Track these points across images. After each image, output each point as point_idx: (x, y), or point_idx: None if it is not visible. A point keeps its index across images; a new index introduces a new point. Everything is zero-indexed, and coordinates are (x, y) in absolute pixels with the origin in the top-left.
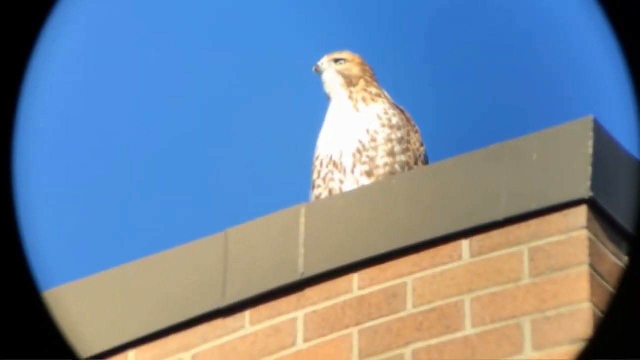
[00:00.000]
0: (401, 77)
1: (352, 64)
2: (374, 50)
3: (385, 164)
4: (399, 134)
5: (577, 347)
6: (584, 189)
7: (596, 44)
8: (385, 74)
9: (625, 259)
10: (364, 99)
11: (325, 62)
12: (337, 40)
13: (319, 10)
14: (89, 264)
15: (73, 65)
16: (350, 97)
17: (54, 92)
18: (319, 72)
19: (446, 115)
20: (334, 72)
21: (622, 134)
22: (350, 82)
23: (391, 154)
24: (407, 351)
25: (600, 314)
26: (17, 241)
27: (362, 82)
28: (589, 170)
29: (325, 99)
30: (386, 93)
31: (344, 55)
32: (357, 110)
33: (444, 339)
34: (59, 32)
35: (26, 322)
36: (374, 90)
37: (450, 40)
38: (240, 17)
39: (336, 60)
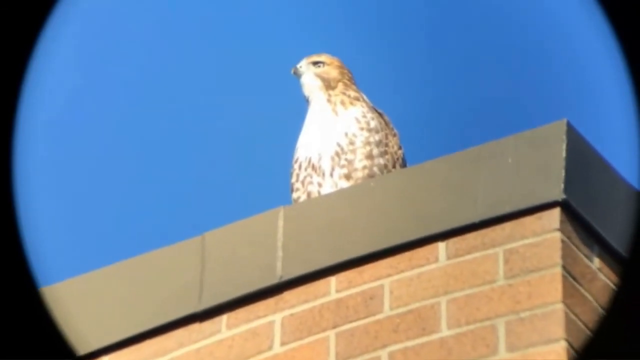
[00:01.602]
0: (378, 81)
1: (330, 67)
2: (352, 53)
3: (364, 167)
4: (377, 137)
5: (550, 349)
6: (557, 192)
7: (579, 46)
8: (363, 77)
9: (597, 261)
10: (342, 102)
11: (303, 65)
12: (317, 41)
13: (302, 11)
14: (62, 270)
15: (72, 65)
16: (329, 101)
17: (54, 92)
18: (297, 75)
19: (423, 119)
20: (312, 75)
21: (594, 136)
22: (328, 85)
23: (369, 156)
24: (384, 353)
25: (572, 316)
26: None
27: (340, 85)
28: (562, 173)
29: (304, 102)
30: (365, 96)
31: (323, 58)
32: (336, 113)
33: (420, 340)
34: (59, 31)
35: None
36: (352, 93)
37: (428, 44)
38: (223, 21)
39: (315, 63)
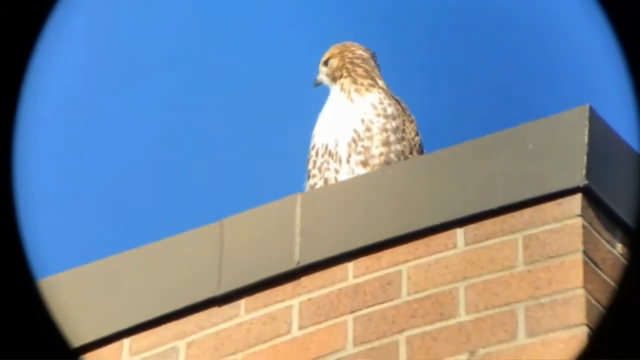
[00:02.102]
0: (397, 69)
1: (333, 58)
2: (371, 41)
3: (381, 154)
4: (394, 124)
5: (571, 334)
6: (579, 177)
7: (593, 34)
8: (381, 65)
9: (619, 246)
10: (357, 90)
11: (319, 72)
12: (334, 33)
13: (315, 4)
14: (85, 253)
15: (72, 65)
16: (342, 89)
17: (54, 91)
18: (319, 84)
19: (442, 105)
20: (324, 76)
21: (618, 122)
22: (334, 77)
23: (386, 143)
24: (402, 338)
25: (593, 302)
26: (13, 230)
27: (344, 72)
28: (584, 158)
29: (321, 89)
30: (382, 82)
31: (327, 53)
32: (352, 100)
33: (438, 325)
34: (59, 31)
35: (21, 311)
36: (364, 80)
37: (446, 31)
38: (237, 11)
39: (325, 63)
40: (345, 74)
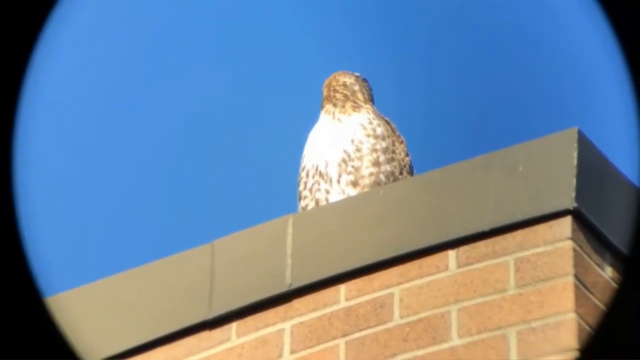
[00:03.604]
0: (384, 88)
1: (324, 91)
2: (357, 61)
3: (371, 174)
4: (384, 144)
5: (562, 358)
6: (568, 200)
7: (584, 55)
8: (373, 84)
9: (609, 270)
10: (342, 112)
11: None
12: (324, 50)
13: (313, 22)
14: (72, 277)
15: (73, 66)
16: (327, 111)
17: (54, 94)
18: None
19: (432, 126)
20: None
21: (606, 145)
22: (321, 107)
23: (376, 163)
24: None
25: (584, 325)
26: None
27: (328, 105)
28: (574, 181)
29: (312, 109)
30: (368, 105)
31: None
32: (339, 120)
33: (430, 349)
34: (59, 31)
35: (22, 329)
36: (346, 103)
37: (437, 53)
38: (226, 29)
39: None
40: (326, 101)
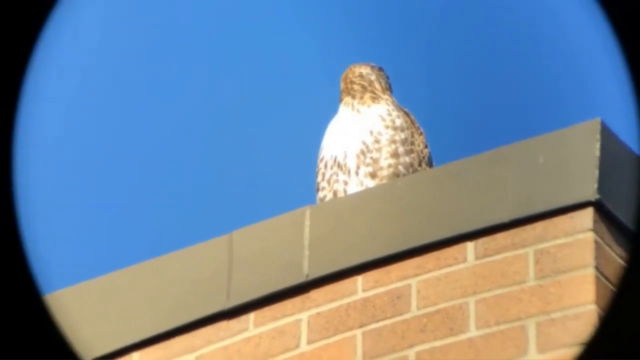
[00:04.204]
0: (406, 80)
1: (341, 84)
2: (379, 53)
3: (389, 165)
4: (403, 135)
5: (579, 349)
6: (590, 191)
7: (601, 45)
8: (391, 77)
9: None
10: (361, 103)
11: None
12: (343, 44)
13: (323, 14)
14: (94, 267)
15: (73, 67)
16: (346, 103)
17: (54, 96)
18: None
19: (452, 118)
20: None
21: (629, 136)
22: (340, 99)
23: (395, 155)
24: (411, 353)
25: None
26: (19, 243)
27: (347, 98)
28: (596, 172)
29: (331, 101)
30: (386, 95)
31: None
32: (358, 111)
33: (447, 341)
34: (59, 30)
35: (29, 325)
36: (365, 94)
37: (456, 42)
38: (242, 16)
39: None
40: (344, 94)
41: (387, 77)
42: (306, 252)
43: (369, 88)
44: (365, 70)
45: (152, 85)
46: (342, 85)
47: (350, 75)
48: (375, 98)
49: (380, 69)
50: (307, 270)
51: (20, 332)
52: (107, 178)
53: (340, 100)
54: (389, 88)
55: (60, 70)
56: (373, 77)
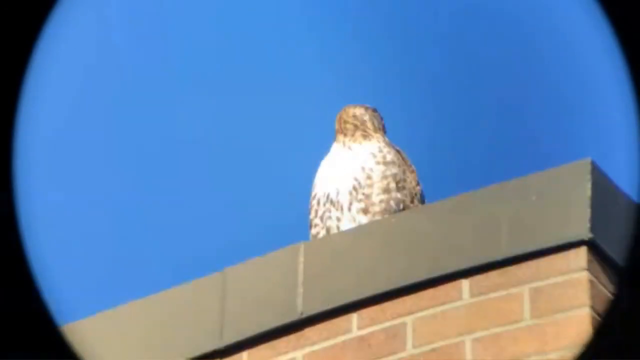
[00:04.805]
0: (398, 118)
1: (336, 125)
2: (370, 93)
3: (381, 201)
4: (394, 171)
5: None
6: (583, 231)
7: (597, 83)
8: (385, 115)
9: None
10: (353, 140)
11: None
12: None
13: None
14: (83, 307)
15: (74, 68)
16: (337, 141)
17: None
18: None
19: (444, 156)
20: None
21: (620, 175)
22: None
23: (386, 190)
24: None
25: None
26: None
27: (340, 136)
28: (588, 211)
29: (324, 138)
30: (378, 134)
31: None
32: (350, 148)
33: None
34: (59, 30)
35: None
36: (356, 133)
37: (448, 80)
38: (231, 43)
39: None
40: (338, 133)
41: (381, 118)
42: (300, 290)
43: (361, 127)
44: (359, 111)
45: (151, 92)
46: (336, 126)
47: (344, 116)
48: (366, 136)
49: (375, 110)
50: (301, 308)
51: None
52: (95, 213)
53: (334, 139)
54: (382, 128)
55: (60, 70)
56: (366, 118)
